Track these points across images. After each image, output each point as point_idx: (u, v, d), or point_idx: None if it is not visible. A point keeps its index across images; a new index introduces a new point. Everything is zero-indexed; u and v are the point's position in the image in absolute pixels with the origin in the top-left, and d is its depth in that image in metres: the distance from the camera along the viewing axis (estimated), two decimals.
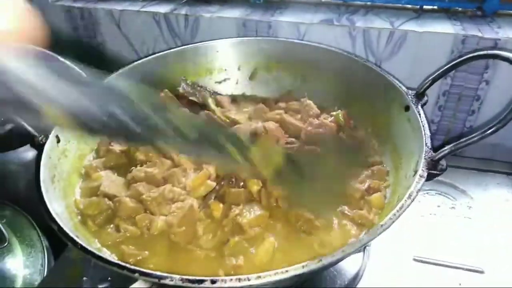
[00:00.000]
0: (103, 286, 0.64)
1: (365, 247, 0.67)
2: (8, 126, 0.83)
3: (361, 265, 0.66)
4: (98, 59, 1.04)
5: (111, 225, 0.57)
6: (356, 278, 0.65)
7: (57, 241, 0.76)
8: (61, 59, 0.69)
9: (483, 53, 0.54)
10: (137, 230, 0.55)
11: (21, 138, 0.79)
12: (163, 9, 0.92)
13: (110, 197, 0.59)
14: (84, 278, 0.66)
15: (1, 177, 0.86)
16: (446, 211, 0.75)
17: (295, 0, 0.93)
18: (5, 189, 0.85)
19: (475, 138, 0.47)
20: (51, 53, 0.67)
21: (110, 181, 0.61)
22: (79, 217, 0.58)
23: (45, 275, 0.74)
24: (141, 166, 0.63)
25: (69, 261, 0.70)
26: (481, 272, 0.65)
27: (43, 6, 1.00)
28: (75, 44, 1.03)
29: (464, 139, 0.48)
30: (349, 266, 0.66)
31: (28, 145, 0.83)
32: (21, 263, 0.75)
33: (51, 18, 1.01)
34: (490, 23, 0.79)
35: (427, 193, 0.79)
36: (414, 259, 0.67)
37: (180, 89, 0.76)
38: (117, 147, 0.67)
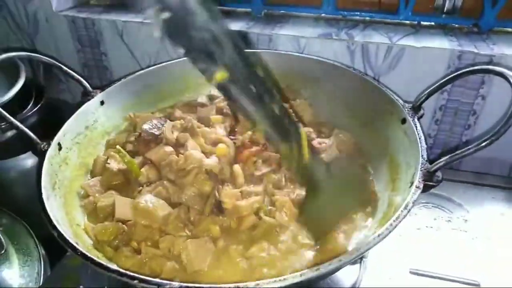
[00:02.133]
0: None
1: (361, 258, 0.68)
2: (10, 133, 0.84)
3: (357, 277, 0.67)
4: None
5: (128, 248, 0.56)
6: None
7: (54, 250, 0.76)
8: (64, 67, 0.70)
9: (478, 68, 0.55)
10: (160, 251, 0.55)
11: (22, 145, 0.80)
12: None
13: (123, 221, 0.58)
14: (81, 287, 0.66)
15: (0, 184, 0.86)
16: (443, 224, 0.76)
17: (295, 14, 0.95)
18: (4, 196, 0.86)
19: (470, 150, 0.48)
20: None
21: (123, 205, 0.59)
22: (91, 241, 0.57)
23: (41, 284, 0.74)
24: (146, 186, 0.63)
25: (66, 269, 0.70)
26: (477, 285, 0.65)
27: (47, 16, 1.02)
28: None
29: (460, 151, 0.49)
30: (346, 278, 0.66)
31: (28, 153, 0.84)
32: (17, 272, 0.75)
33: (56, 28, 1.03)
34: (486, 40, 0.81)
35: (424, 206, 0.79)
36: (411, 272, 0.67)
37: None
38: (114, 166, 0.66)
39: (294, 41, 0.86)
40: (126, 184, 0.65)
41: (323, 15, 0.93)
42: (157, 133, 0.70)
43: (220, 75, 0.39)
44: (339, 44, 0.83)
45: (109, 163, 0.66)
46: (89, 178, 0.67)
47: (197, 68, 0.39)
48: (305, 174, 0.52)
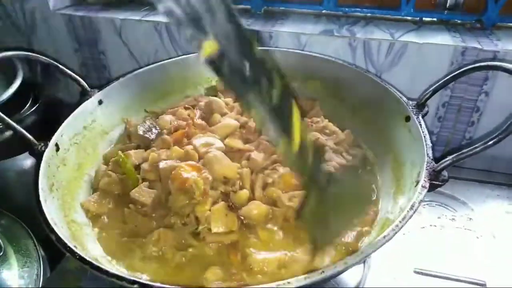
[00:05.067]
0: None
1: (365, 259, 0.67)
2: (7, 134, 0.83)
3: (361, 277, 0.66)
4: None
5: None
6: None
7: (54, 251, 0.75)
8: (62, 67, 0.69)
9: (484, 64, 0.54)
10: None
11: (20, 145, 0.79)
12: (164, 18, 0.92)
13: None
14: None
15: None
16: (447, 222, 0.75)
17: (295, 11, 0.94)
18: (2, 197, 0.85)
19: (478, 149, 0.47)
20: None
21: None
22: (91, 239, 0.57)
23: (40, 286, 0.73)
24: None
25: (66, 272, 0.69)
26: (483, 284, 0.64)
27: (44, 15, 1.00)
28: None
29: (466, 149, 0.48)
30: (349, 278, 0.65)
31: (27, 153, 0.83)
32: (16, 274, 0.74)
33: (53, 27, 1.02)
34: (489, 36, 0.80)
35: (428, 204, 0.78)
36: (415, 271, 0.67)
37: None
38: (114, 175, 0.65)
39: (294, 38, 0.85)
40: (123, 195, 0.63)
41: (324, 11, 0.92)
42: (151, 137, 0.70)
43: (209, 45, 0.35)
44: (341, 40, 0.82)
45: (110, 171, 0.65)
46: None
47: (186, 34, 0.35)
48: (307, 173, 0.49)
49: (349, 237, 0.53)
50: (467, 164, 0.87)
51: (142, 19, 0.93)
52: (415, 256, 0.69)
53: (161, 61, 0.79)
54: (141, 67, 0.77)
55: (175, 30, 0.91)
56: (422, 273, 0.66)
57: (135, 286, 0.40)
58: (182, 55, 0.84)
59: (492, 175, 0.85)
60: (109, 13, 0.97)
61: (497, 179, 0.84)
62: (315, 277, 0.39)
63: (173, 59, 0.80)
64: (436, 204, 0.78)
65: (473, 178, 0.84)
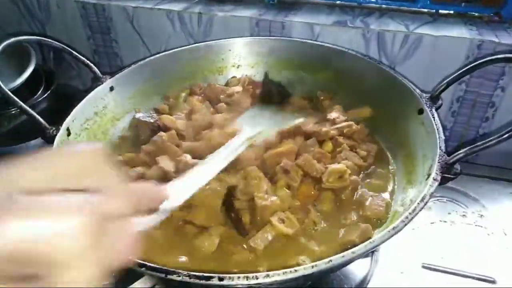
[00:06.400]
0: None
1: (373, 252, 0.66)
2: (20, 119, 0.84)
3: (368, 270, 0.65)
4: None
5: None
6: (363, 282, 0.64)
7: None
8: (74, 52, 0.70)
9: (501, 57, 0.53)
10: None
11: (32, 131, 0.80)
12: (177, 7, 0.92)
13: None
14: None
15: None
16: (457, 218, 0.74)
17: (309, 1, 0.93)
18: None
19: (492, 142, 0.46)
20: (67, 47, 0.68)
21: None
22: None
23: None
24: None
25: None
26: (493, 281, 0.63)
27: (58, 2, 1.01)
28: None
29: (480, 142, 0.47)
30: (356, 271, 0.65)
31: (38, 139, 0.83)
32: None
33: (67, 14, 1.02)
34: (508, 29, 0.78)
35: (438, 200, 0.77)
36: (423, 266, 0.66)
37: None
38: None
39: (308, 28, 0.84)
40: None
41: (337, 2, 0.91)
42: (151, 120, 0.70)
43: None
44: (354, 32, 0.81)
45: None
46: None
47: None
48: None
49: (359, 228, 0.53)
50: (480, 160, 0.86)
51: (154, 7, 0.93)
52: (423, 251, 0.68)
53: (172, 49, 0.79)
54: (152, 55, 0.77)
55: (187, 19, 0.91)
56: (430, 268, 0.66)
57: (143, 269, 0.40)
58: (194, 43, 0.84)
59: (505, 172, 0.83)
60: (121, 0, 0.97)
61: (510, 176, 0.82)
62: (323, 265, 0.38)
63: (185, 47, 0.80)
64: (447, 200, 0.77)
65: (485, 175, 0.82)
